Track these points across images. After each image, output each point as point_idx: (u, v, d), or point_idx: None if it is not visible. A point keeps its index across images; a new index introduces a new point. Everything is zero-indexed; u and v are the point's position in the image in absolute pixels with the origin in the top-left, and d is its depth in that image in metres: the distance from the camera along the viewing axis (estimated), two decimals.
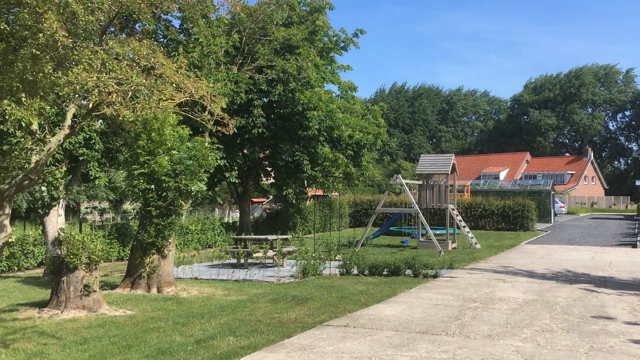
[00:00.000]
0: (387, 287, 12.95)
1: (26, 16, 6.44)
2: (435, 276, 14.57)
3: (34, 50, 6.74)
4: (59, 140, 8.29)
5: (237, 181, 24.83)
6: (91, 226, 24.09)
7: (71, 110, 8.79)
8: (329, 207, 35.56)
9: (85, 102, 8.86)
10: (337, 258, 17.39)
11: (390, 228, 29.40)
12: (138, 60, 7.56)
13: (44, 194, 15.14)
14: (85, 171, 16.65)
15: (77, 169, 16.86)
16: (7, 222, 7.85)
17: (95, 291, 10.55)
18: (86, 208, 45.39)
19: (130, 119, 7.83)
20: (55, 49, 6.64)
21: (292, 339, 8.27)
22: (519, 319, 9.60)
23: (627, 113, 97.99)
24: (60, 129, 8.83)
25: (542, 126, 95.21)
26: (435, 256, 19.34)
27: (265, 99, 24.20)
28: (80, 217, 40.68)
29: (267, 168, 28.03)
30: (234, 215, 40.71)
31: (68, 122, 8.57)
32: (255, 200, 44.28)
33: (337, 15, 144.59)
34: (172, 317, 10.00)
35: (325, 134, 24.75)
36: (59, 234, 14.86)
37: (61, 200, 15.87)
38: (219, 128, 12.04)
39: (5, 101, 6.86)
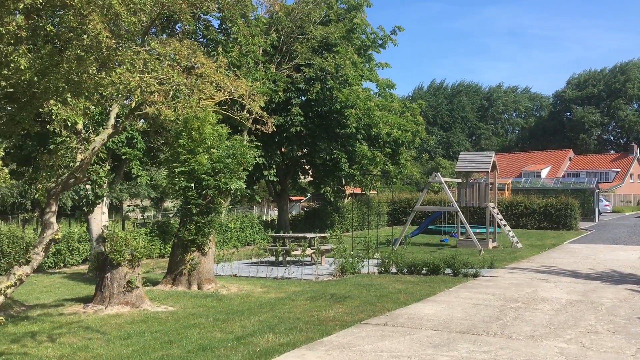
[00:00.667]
0: (426, 286, 12.83)
1: (71, 18, 6.59)
2: (475, 275, 14.37)
3: (78, 51, 6.90)
4: (103, 140, 8.48)
5: (275, 179, 24.98)
6: (133, 224, 24.59)
7: (114, 109, 8.98)
8: (367, 205, 35.44)
9: (127, 101, 9.03)
10: (375, 256, 17.31)
11: (429, 226, 29.11)
12: (179, 60, 7.66)
13: (89, 192, 15.52)
14: (127, 170, 17.00)
15: (120, 167, 17.23)
16: (53, 219, 8.06)
17: (137, 287, 10.76)
18: (128, 206, 46.35)
19: (172, 118, 7.94)
20: (99, 49, 6.78)
21: (331, 337, 8.27)
22: (562, 319, 9.38)
23: None
24: (104, 128, 9.03)
25: (586, 123, 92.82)
26: (475, 255, 19.07)
27: (303, 98, 24.27)
28: (123, 214, 41.55)
29: (305, 166, 28.10)
30: (272, 213, 40.96)
31: (111, 121, 8.76)
32: (293, 198, 44.48)
33: (375, 13, 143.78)
34: (212, 313, 10.12)
35: (363, 131, 24.66)
36: (102, 231, 15.18)
37: (105, 198, 16.24)
38: (258, 126, 12.12)
39: (52, 101, 7.05)
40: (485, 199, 23.28)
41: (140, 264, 10.99)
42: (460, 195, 23.97)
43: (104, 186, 15.83)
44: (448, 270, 14.73)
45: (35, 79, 6.78)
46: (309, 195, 44.49)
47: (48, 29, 6.72)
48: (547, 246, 23.23)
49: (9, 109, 7.57)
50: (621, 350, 7.45)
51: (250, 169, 14.08)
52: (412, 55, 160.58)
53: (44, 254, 7.83)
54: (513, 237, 23.50)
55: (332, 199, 26.39)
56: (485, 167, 23.75)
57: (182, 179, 12.82)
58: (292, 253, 17.43)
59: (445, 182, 23.41)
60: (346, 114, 23.51)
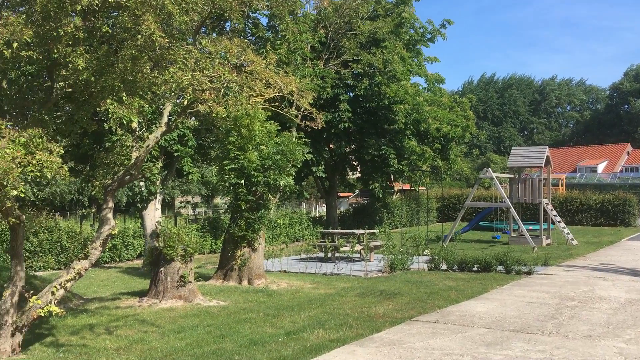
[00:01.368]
0: (477, 284, 12.62)
1: (126, 19, 6.76)
2: (529, 273, 14.04)
3: (133, 51, 7.08)
4: (157, 137, 8.67)
5: (323, 175, 25.03)
6: (185, 220, 25.10)
7: (167, 108, 9.17)
8: (416, 201, 35.12)
9: (179, 100, 9.21)
10: (425, 253, 17.14)
11: (480, 223, 28.63)
12: (229, 58, 7.76)
13: (143, 189, 15.92)
14: (179, 167, 17.35)
15: (172, 164, 17.60)
16: (110, 215, 8.30)
17: (190, 282, 10.97)
18: (180, 202, 47.34)
19: (223, 116, 8.05)
20: (152, 49, 6.94)
21: (381, 333, 8.23)
22: (621, 319, 9.06)
23: None
24: (157, 126, 9.23)
25: None
26: (528, 252, 18.64)
27: (351, 94, 24.22)
28: (175, 211, 42.47)
29: (354, 162, 28.06)
30: (321, 210, 41.10)
31: (164, 119, 8.95)
32: (341, 194, 44.48)
33: (424, 7, 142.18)
34: (262, 308, 10.23)
35: (412, 127, 24.44)
36: (156, 227, 15.57)
37: (158, 195, 16.63)
38: (307, 123, 12.15)
39: (108, 100, 7.25)
40: (539, 194, 22.72)
41: (193, 259, 11.20)
42: (512, 191, 23.47)
43: (157, 183, 16.20)
44: (500, 268, 14.45)
45: (92, 78, 6.99)
46: (357, 191, 44.41)
47: (104, 30, 6.92)
48: (604, 243, 22.49)
49: (68, 108, 7.84)
50: None
51: (299, 166, 14.14)
52: (462, 48, 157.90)
53: (101, 248, 8.08)
54: (568, 234, 22.86)
55: (380, 195, 26.26)
56: (538, 162, 23.17)
57: (232, 175, 12.99)
58: (341, 249, 17.44)
59: (497, 177, 22.96)
60: (394, 109, 23.34)
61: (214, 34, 15.39)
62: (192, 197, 46.93)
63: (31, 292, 7.63)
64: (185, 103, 8.36)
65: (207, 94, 7.60)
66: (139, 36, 6.78)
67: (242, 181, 12.98)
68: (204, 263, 17.30)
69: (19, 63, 7.33)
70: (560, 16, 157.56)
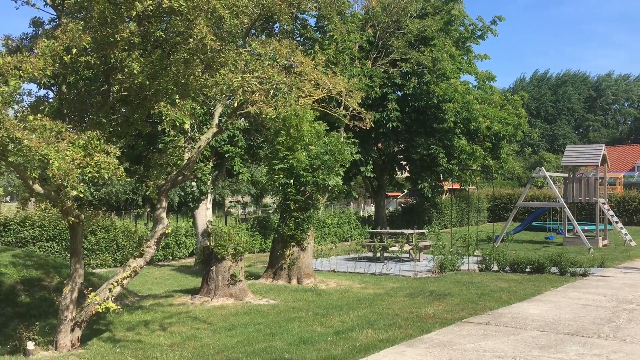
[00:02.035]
0: (530, 285, 12.35)
1: (178, 23, 6.94)
2: (584, 275, 13.65)
3: (185, 54, 7.26)
4: (208, 138, 8.86)
5: (372, 175, 24.97)
6: (235, 219, 25.47)
7: (218, 109, 9.35)
8: (466, 201, 34.61)
9: (230, 101, 9.37)
10: (475, 253, 16.89)
11: (533, 223, 27.97)
12: (279, 60, 7.85)
13: (194, 189, 16.26)
14: (229, 167, 17.63)
15: (222, 165, 17.90)
16: (164, 214, 8.53)
17: (240, 280, 11.15)
18: (230, 202, 48.06)
19: (272, 116, 8.16)
20: (204, 52, 7.09)
21: (431, 334, 8.17)
22: None
23: None
24: (208, 127, 9.42)
25: None
26: (583, 253, 18.11)
27: (399, 93, 24.07)
28: (225, 210, 43.15)
29: (402, 162, 27.88)
30: (369, 209, 40.97)
31: (215, 120, 9.12)
32: (389, 194, 44.23)
33: (473, 3, 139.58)
34: (312, 307, 10.30)
35: (461, 126, 24.10)
36: (207, 226, 15.89)
37: (209, 195, 16.95)
38: (355, 122, 12.16)
39: (162, 103, 7.45)
40: (595, 194, 22.03)
41: (243, 258, 11.38)
42: (566, 191, 22.84)
43: (208, 183, 16.51)
44: (554, 269, 14.10)
45: (147, 82, 7.20)
46: (405, 191, 44.09)
47: (158, 35, 7.11)
48: None
49: (123, 111, 8.10)
50: None
51: (347, 165, 14.16)
52: (513, 45, 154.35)
53: (155, 247, 8.30)
54: (626, 234, 22.09)
55: (429, 195, 26.00)
56: (594, 160, 22.47)
57: (282, 175, 13.12)
58: (390, 249, 17.37)
59: (550, 176, 22.39)
60: (444, 108, 23.08)
61: (263, 36, 15.59)
62: (242, 197, 47.58)
63: (89, 288, 7.92)
64: (235, 104, 8.51)
65: (257, 95, 7.71)
66: (191, 40, 6.94)
67: (291, 181, 13.10)
68: (254, 262, 17.53)
69: (77, 68, 7.61)
70: (617, 10, 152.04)
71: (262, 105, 7.72)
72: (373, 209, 31.14)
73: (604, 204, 22.53)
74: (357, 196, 28.69)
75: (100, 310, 7.67)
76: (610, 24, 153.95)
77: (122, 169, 6.79)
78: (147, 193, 8.90)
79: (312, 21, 22.38)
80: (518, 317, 9.25)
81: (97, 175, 6.44)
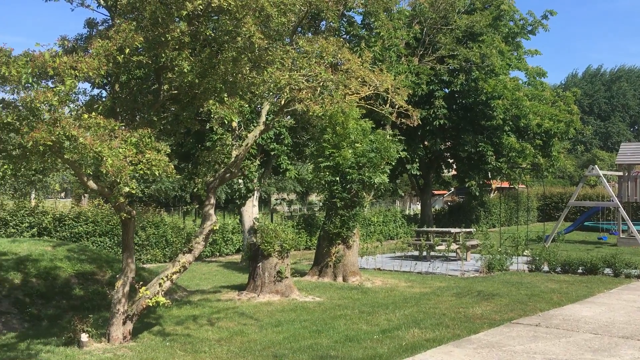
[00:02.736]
0: (582, 287, 12.01)
1: (227, 22, 7.02)
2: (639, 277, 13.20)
3: (233, 53, 7.34)
4: (255, 136, 8.94)
5: (418, 173, 24.72)
6: (281, 216, 25.66)
7: (265, 107, 9.42)
8: (515, 200, 33.92)
9: (277, 99, 9.43)
10: (524, 253, 16.53)
11: (585, 223, 27.19)
12: (325, 57, 7.85)
13: (241, 186, 16.45)
14: (275, 164, 17.76)
15: (269, 162, 18.05)
16: (212, 211, 8.66)
17: (287, 277, 11.22)
18: (276, 199, 48.45)
19: (319, 114, 8.17)
20: (252, 50, 7.16)
21: (479, 334, 8.04)
22: None
23: None
24: (254, 125, 9.52)
25: None
26: (639, 254, 17.48)
27: (446, 90, 23.75)
28: (271, 207, 43.52)
29: (449, 160, 27.55)
30: (415, 208, 40.61)
31: (262, 118, 9.20)
32: (436, 192, 43.76)
33: None
34: (357, 305, 10.28)
35: (510, 123, 23.61)
36: (254, 223, 16.04)
37: (255, 192, 17.12)
38: (402, 120, 12.07)
39: (210, 101, 7.56)
40: None
41: (289, 255, 11.44)
42: (621, 190, 22.10)
43: (255, 180, 16.68)
44: (607, 270, 13.67)
45: (196, 80, 7.32)
46: (452, 189, 43.54)
47: (207, 34, 7.22)
48: None
49: (173, 109, 8.25)
50: None
51: (393, 163, 14.06)
52: (565, 40, 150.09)
53: (204, 243, 8.44)
54: None
55: (477, 194, 25.58)
56: None
57: (327, 173, 13.13)
58: (437, 248, 17.18)
59: (604, 175, 21.71)
60: (492, 105, 22.66)
61: (309, 34, 15.63)
62: (288, 195, 47.88)
63: (140, 283, 8.12)
64: (282, 102, 8.56)
65: (304, 92, 7.74)
66: (239, 38, 7.02)
67: (337, 179, 13.10)
68: (299, 259, 17.61)
69: (129, 67, 7.79)
70: None
71: (309, 103, 7.74)
72: (419, 207, 30.85)
73: None
74: (402, 194, 28.53)
75: (150, 304, 7.84)
76: None
77: (172, 166, 6.93)
78: (196, 190, 9.06)
79: (358, 18, 22.32)
80: (570, 319, 9.01)
81: (148, 172, 6.59)
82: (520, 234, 17.96)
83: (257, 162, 16.86)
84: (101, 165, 6.14)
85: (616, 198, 21.20)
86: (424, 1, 21.70)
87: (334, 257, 13.23)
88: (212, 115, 7.54)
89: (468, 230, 18.35)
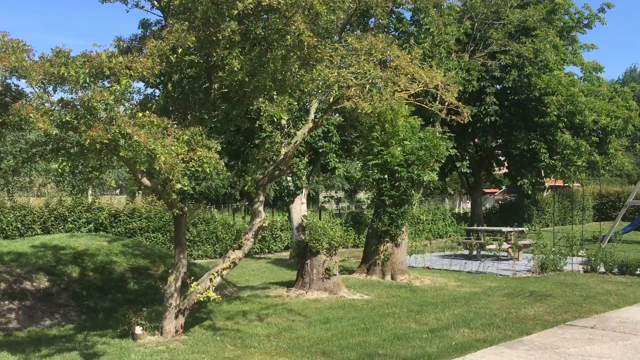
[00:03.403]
0: None
1: (277, 20, 7.07)
2: None
3: (282, 51, 7.39)
4: (304, 134, 8.98)
5: (468, 171, 24.33)
6: (329, 214, 25.72)
7: (314, 105, 9.45)
8: (570, 198, 32.97)
9: (325, 97, 9.45)
10: (579, 254, 16.06)
11: None
12: (374, 54, 7.81)
13: (290, 184, 16.57)
14: (324, 162, 17.81)
15: (317, 160, 18.12)
16: (261, 208, 8.76)
17: (335, 275, 11.24)
18: (324, 197, 48.56)
19: (367, 111, 8.14)
20: (301, 48, 7.19)
21: (531, 336, 7.86)
22: None
23: None
24: (303, 123, 9.56)
25: None
26: None
27: (497, 86, 23.30)
28: (319, 205, 43.65)
29: (500, 157, 27.02)
30: (465, 206, 40.02)
31: (311, 116, 9.24)
32: (486, 190, 42.99)
33: None
34: (406, 304, 10.21)
35: (565, 119, 22.96)
36: (302, 220, 16.13)
37: (304, 189, 17.21)
38: (452, 117, 11.90)
39: (260, 99, 7.64)
40: None
41: (337, 252, 11.46)
42: None
43: (303, 178, 16.77)
44: None
45: (246, 79, 7.40)
46: (503, 187, 42.69)
47: (257, 32, 7.29)
48: None
49: (224, 107, 8.37)
50: None
51: (442, 161, 13.89)
52: (624, 33, 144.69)
53: (253, 239, 8.54)
54: None
55: (529, 192, 24.99)
56: None
57: (376, 170, 13.08)
58: (487, 247, 16.88)
59: None
60: (546, 101, 22.08)
61: (358, 31, 15.57)
62: (336, 192, 47.92)
63: (192, 278, 8.28)
64: (331, 100, 8.57)
65: (353, 90, 7.72)
66: (288, 36, 7.06)
67: (386, 176, 13.03)
68: (347, 257, 17.61)
69: (181, 67, 7.95)
70: None
71: (358, 100, 7.72)
72: (469, 205, 30.40)
73: None
74: (452, 192, 28.16)
75: (201, 299, 7.99)
76: None
77: (223, 164, 7.03)
78: (245, 187, 9.18)
79: (407, 15, 22.13)
80: (627, 321, 8.71)
81: (199, 169, 6.71)
82: (575, 233, 17.45)
83: (306, 159, 16.95)
84: (154, 162, 6.29)
85: None
86: None
87: (382, 255, 13.17)
88: (261, 113, 7.62)
89: (520, 229, 17.96)
